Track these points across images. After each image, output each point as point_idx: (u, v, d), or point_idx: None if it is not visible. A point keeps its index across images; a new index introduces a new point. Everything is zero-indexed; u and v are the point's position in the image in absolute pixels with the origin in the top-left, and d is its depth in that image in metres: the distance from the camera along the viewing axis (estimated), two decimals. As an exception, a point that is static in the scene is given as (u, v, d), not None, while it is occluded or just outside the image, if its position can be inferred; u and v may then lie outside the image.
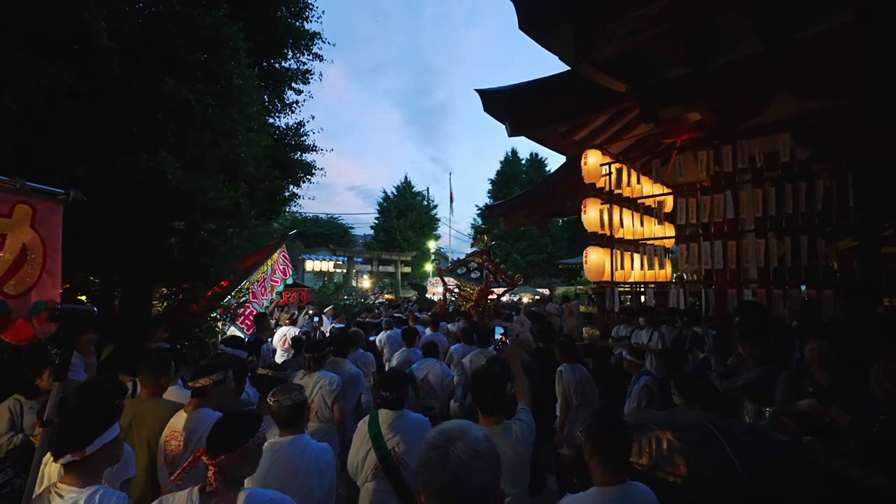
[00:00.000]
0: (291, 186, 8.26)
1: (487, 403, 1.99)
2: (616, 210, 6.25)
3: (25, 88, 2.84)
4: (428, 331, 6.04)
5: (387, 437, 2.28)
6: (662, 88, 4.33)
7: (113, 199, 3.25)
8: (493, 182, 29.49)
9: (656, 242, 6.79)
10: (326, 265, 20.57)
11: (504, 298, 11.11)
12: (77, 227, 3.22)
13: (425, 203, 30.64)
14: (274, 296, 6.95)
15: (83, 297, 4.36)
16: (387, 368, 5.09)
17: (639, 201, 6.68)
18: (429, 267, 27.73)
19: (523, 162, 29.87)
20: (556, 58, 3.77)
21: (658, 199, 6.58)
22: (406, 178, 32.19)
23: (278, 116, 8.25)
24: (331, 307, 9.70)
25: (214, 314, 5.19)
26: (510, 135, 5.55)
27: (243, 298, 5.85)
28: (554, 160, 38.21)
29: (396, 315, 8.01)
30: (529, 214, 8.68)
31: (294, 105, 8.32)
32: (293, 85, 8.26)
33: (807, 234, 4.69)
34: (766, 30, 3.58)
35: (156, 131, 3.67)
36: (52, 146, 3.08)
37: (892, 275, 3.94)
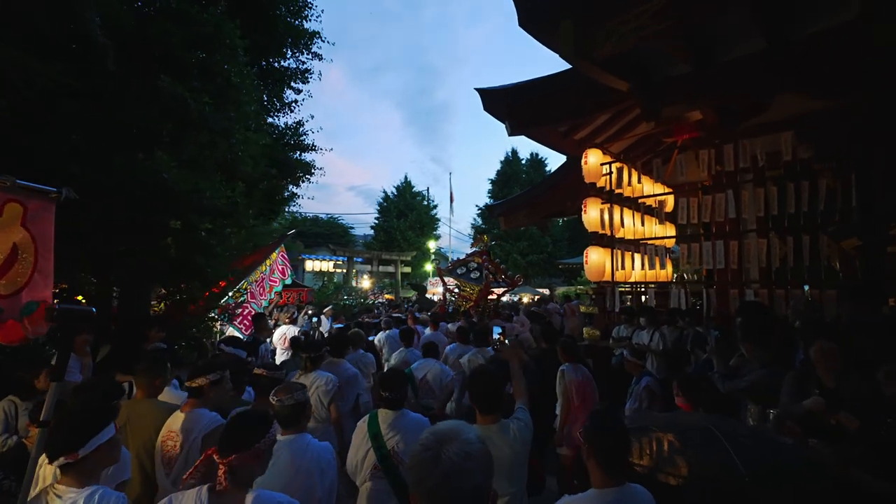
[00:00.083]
0: (291, 186, 8.25)
1: (485, 402, 1.99)
2: (617, 210, 6.21)
3: (16, 87, 2.82)
4: (428, 330, 6.03)
5: (386, 436, 2.27)
6: (664, 87, 4.28)
7: (108, 199, 3.22)
8: (493, 182, 29.45)
9: (657, 242, 6.75)
10: (326, 265, 20.53)
11: (504, 298, 11.08)
12: (73, 226, 3.20)
13: (425, 203, 30.60)
14: (272, 296, 6.92)
15: (80, 298, 4.34)
16: (385, 368, 5.06)
17: (640, 201, 6.64)
18: (429, 267, 27.69)
19: (523, 162, 29.84)
20: (558, 57, 3.74)
21: (659, 198, 6.54)
22: (406, 177, 32.19)
23: (277, 116, 8.24)
24: (330, 307, 9.66)
25: (212, 314, 5.15)
26: (510, 134, 5.51)
27: (241, 299, 5.82)
28: (554, 160, 38.20)
29: (396, 315, 7.98)
30: (529, 214, 8.64)
31: (293, 104, 8.31)
32: (292, 84, 8.25)
33: (809, 234, 4.65)
34: (770, 27, 3.54)
35: (151, 130, 3.64)
36: (50, 146, 3.06)
37: (897, 274, 3.91)
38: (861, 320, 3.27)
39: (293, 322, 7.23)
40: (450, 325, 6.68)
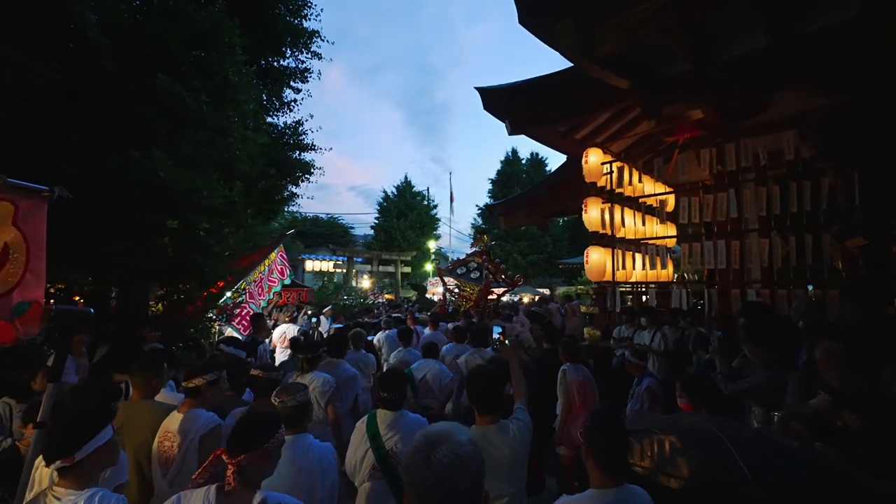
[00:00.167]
0: (290, 186, 8.22)
1: (483, 403, 1.99)
2: (617, 209, 6.18)
3: (15, 87, 2.80)
4: (427, 330, 6.01)
5: (385, 437, 2.27)
6: (665, 84, 4.24)
7: (106, 198, 3.20)
8: (493, 182, 29.42)
9: (658, 242, 6.72)
10: (326, 265, 20.50)
11: (504, 298, 11.05)
12: (69, 225, 3.18)
13: (425, 203, 30.57)
14: (271, 296, 6.89)
15: (77, 298, 4.31)
16: (385, 369, 5.04)
17: (640, 200, 6.60)
18: (429, 267, 27.65)
19: (524, 162, 29.81)
20: (558, 57, 3.70)
21: (660, 198, 6.50)
22: (406, 177, 32.17)
23: (277, 115, 8.22)
24: (329, 307, 9.64)
25: (210, 314, 5.13)
26: (510, 133, 5.48)
27: (240, 299, 5.79)
28: (554, 160, 38.21)
29: (395, 315, 7.96)
30: (530, 214, 8.60)
31: (292, 104, 8.28)
32: (292, 83, 8.23)
33: (812, 233, 4.62)
34: (773, 23, 3.51)
35: (149, 129, 3.61)
36: (50, 146, 3.04)
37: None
38: (865, 320, 3.23)
39: (293, 321, 7.22)
40: (449, 325, 6.65)
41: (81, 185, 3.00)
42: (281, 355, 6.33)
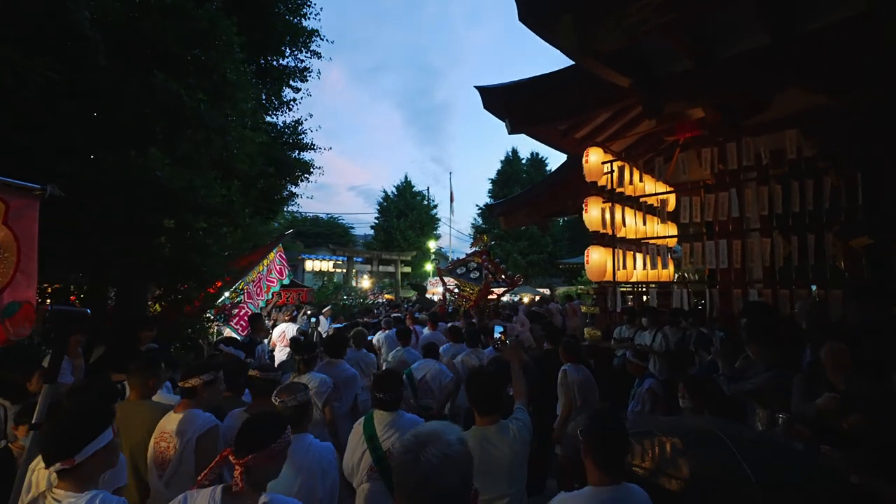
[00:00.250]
0: (290, 186, 8.18)
1: (483, 403, 1.99)
2: (618, 209, 6.15)
3: (12, 87, 2.79)
4: (426, 330, 6.00)
5: (382, 438, 2.27)
6: (667, 82, 4.21)
7: (106, 197, 3.17)
8: (493, 182, 29.36)
9: (659, 242, 6.69)
10: (326, 265, 20.47)
11: (504, 298, 11.01)
12: (68, 225, 3.16)
13: (425, 203, 30.52)
14: (270, 296, 6.86)
15: (73, 298, 4.29)
16: (384, 368, 5.02)
17: (641, 200, 6.57)
18: (429, 267, 27.60)
19: (524, 161, 29.75)
20: (559, 57, 3.68)
21: (661, 197, 6.47)
22: (406, 177, 32.10)
23: (276, 114, 8.17)
24: (329, 307, 9.61)
25: (208, 315, 5.10)
26: (510, 132, 5.45)
27: (238, 299, 5.76)
28: (555, 160, 38.17)
29: (395, 315, 7.94)
30: (530, 213, 8.57)
31: (292, 103, 8.23)
32: (291, 83, 8.18)
33: (814, 233, 4.58)
34: (775, 21, 3.47)
35: (146, 127, 3.58)
36: (50, 145, 3.02)
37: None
38: (868, 321, 3.20)
39: (293, 321, 7.21)
40: (448, 326, 6.64)
41: (82, 185, 2.99)
42: (280, 354, 6.33)
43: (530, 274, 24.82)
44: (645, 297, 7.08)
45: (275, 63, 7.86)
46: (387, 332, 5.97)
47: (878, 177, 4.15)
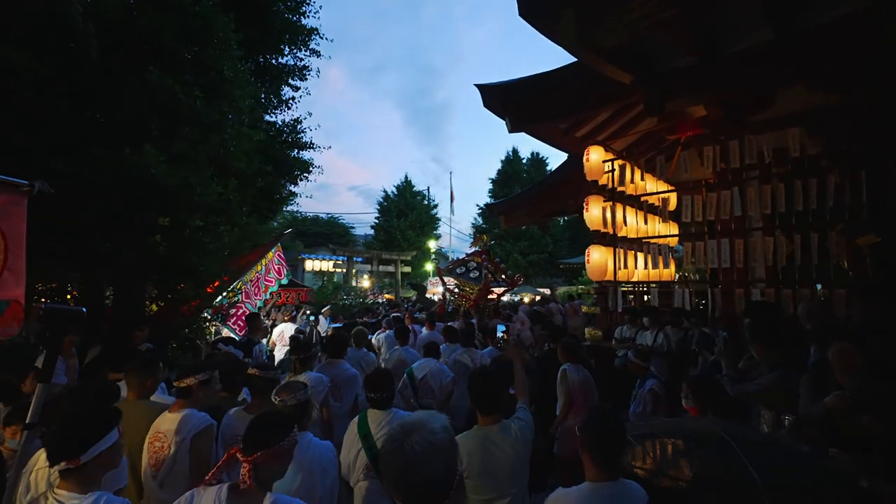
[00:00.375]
0: (289, 185, 8.14)
1: (484, 403, 2.00)
2: (619, 208, 6.10)
3: (12, 86, 2.77)
4: (424, 330, 5.98)
5: (377, 436, 2.29)
6: (668, 79, 4.16)
7: (104, 197, 3.14)
8: (493, 181, 29.34)
9: (660, 241, 6.64)
10: (326, 265, 20.44)
11: (505, 298, 10.98)
12: (63, 224, 3.12)
13: (426, 202, 30.50)
14: (268, 296, 6.83)
15: (68, 297, 4.25)
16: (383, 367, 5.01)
17: (642, 199, 6.53)
18: (429, 267, 27.58)
19: (524, 161, 29.73)
20: (559, 56, 3.64)
21: (662, 196, 6.43)
22: (406, 177, 32.11)
23: (275, 113, 8.13)
24: (328, 307, 9.58)
25: (205, 314, 5.06)
26: (510, 130, 5.40)
27: (236, 299, 5.72)
28: (555, 159, 38.09)
29: (395, 315, 7.91)
30: (530, 213, 8.52)
31: (290, 101, 8.19)
32: (290, 81, 8.13)
33: (817, 232, 4.53)
34: (778, 16, 3.42)
35: (140, 124, 3.54)
36: (48, 144, 2.99)
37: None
38: (873, 320, 3.15)
39: (292, 321, 7.18)
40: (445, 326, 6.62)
41: (81, 185, 2.96)
42: (280, 354, 6.30)
43: (531, 274, 24.79)
44: (646, 297, 7.03)
45: (274, 61, 7.81)
46: (387, 331, 5.97)
47: (884, 174, 4.10)
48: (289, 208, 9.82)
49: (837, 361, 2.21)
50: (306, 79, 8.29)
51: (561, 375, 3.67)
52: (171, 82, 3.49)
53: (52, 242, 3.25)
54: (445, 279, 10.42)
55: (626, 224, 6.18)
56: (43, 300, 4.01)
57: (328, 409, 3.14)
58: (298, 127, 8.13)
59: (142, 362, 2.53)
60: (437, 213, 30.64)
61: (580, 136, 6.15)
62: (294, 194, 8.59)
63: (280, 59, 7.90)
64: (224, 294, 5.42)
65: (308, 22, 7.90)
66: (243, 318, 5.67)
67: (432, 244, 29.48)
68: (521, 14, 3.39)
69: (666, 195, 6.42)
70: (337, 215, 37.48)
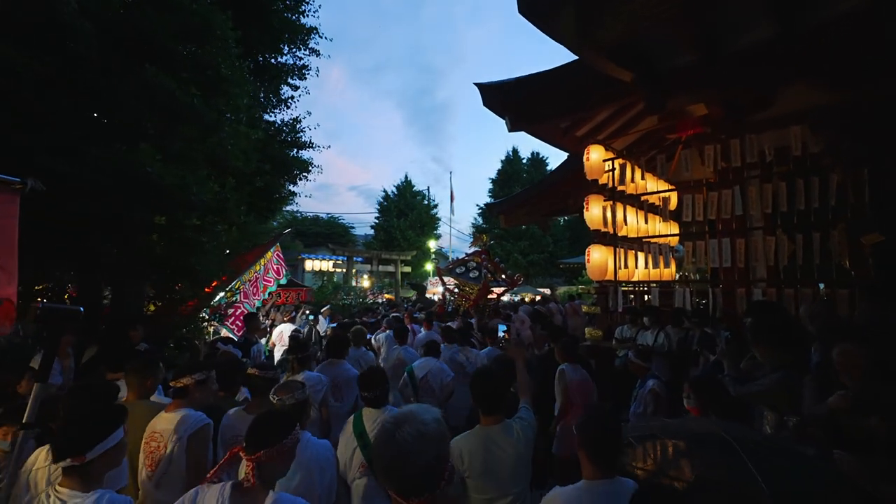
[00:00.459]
0: (289, 185, 8.11)
1: (485, 403, 2.01)
2: (619, 207, 6.07)
3: (12, 87, 2.75)
4: (422, 330, 5.96)
5: (371, 434, 2.29)
6: (669, 77, 4.13)
7: (104, 197, 3.12)
8: (494, 181, 29.34)
9: (661, 240, 6.62)
10: (326, 265, 20.43)
11: (505, 298, 10.96)
12: (51, 221, 3.10)
13: (426, 202, 30.50)
14: (266, 296, 6.81)
15: (66, 297, 4.22)
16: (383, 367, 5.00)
17: (643, 198, 6.49)
18: (429, 266, 27.57)
19: (524, 161, 29.73)
20: (559, 56, 3.61)
21: (662, 195, 6.40)
22: (406, 177, 32.11)
23: (274, 112, 8.10)
24: (328, 307, 9.55)
25: (203, 314, 5.03)
26: (510, 130, 5.37)
27: (234, 298, 5.69)
28: (555, 159, 38.07)
29: (395, 315, 7.89)
30: (530, 212, 8.50)
31: (289, 100, 8.16)
32: (289, 80, 8.11)
33: (819, 231, 4.50)
34: (780, 13, 3.39)
35: (136, 122, 3.52)
36: (48, 142, 2.98)
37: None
38: (876, 320, 3.12)
39: (291, 321, 7.16)
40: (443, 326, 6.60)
41: (80, 185, 2.94)
42: (279, 354, 6.28)
43: (531, 274, 24.78)
44: (646, 297, 6.99)
45: (273, 60, 7.79)
46: (387, 331, 5.94)
47: (885, 173, 4.07)
48: (288, 208, 9.80)
49: (842, 362, 2.19)
50: (305, 78, 8.27)
51: (558, 375, 3.66)
52: (169, 81, 3.47)
53: (49, 242, 3.24)
54: (445, 279, 10.40)
55: (626, 223, 6.15)
56: (40, 300, 3.99)
57: (327, 408, 3.12)
58: (298, 126, 8.11)
59: (142, 362, 2.53)
60: (437, 213, 30.67)
61: (580, 136, 6.13)
62: (293, 194, 8.57)
63: (279, 58, 7.88)
64: (222, 294, 5.39)
65: (307, 21, 7.89)
66: (241, 317, 5.64)
67: (432, 244, 29.47)
68: (520, 11, 3.36)
69: (666, 194, 6.39)
70: (337, 215, 37.53)
